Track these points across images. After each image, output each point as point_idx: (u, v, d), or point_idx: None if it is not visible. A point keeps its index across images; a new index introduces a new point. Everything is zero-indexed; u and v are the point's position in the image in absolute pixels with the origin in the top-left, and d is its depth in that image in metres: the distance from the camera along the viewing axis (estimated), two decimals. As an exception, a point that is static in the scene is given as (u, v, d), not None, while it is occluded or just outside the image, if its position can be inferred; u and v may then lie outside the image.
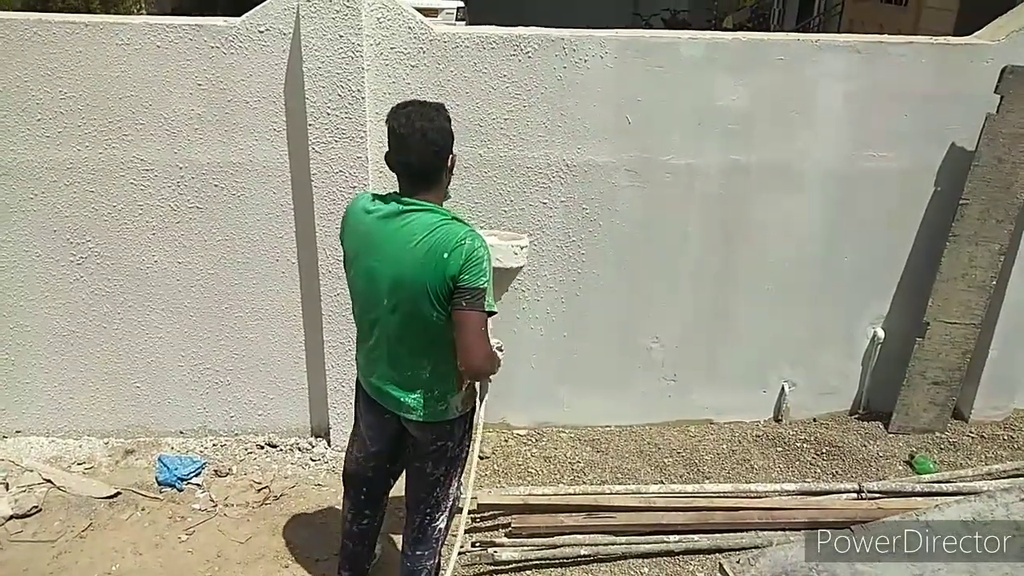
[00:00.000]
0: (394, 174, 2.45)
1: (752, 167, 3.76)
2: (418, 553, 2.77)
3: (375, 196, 2.48)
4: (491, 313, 2.38)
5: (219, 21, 3.34)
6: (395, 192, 2.45)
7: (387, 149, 2.42)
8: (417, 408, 2.53)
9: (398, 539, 3.23)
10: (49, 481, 3.61)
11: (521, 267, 2.76)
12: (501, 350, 2.69)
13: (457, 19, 12.10)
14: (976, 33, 3.84)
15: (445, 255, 2.31)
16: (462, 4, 12.73)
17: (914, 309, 4.05)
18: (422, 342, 2.46)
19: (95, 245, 3.60)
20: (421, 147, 2.34)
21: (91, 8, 8.05)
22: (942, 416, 4.20)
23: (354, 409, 2.79)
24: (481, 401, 2.69)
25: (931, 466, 3.92)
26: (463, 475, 2.77)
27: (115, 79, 3.35)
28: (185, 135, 3.45)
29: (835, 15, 13.60)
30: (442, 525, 2.76)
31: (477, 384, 2.65)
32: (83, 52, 3.31)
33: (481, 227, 3.64)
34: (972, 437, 4.20)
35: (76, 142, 3.43)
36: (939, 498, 3.58)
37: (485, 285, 2.35)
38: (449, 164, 2.45)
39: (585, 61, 3.50)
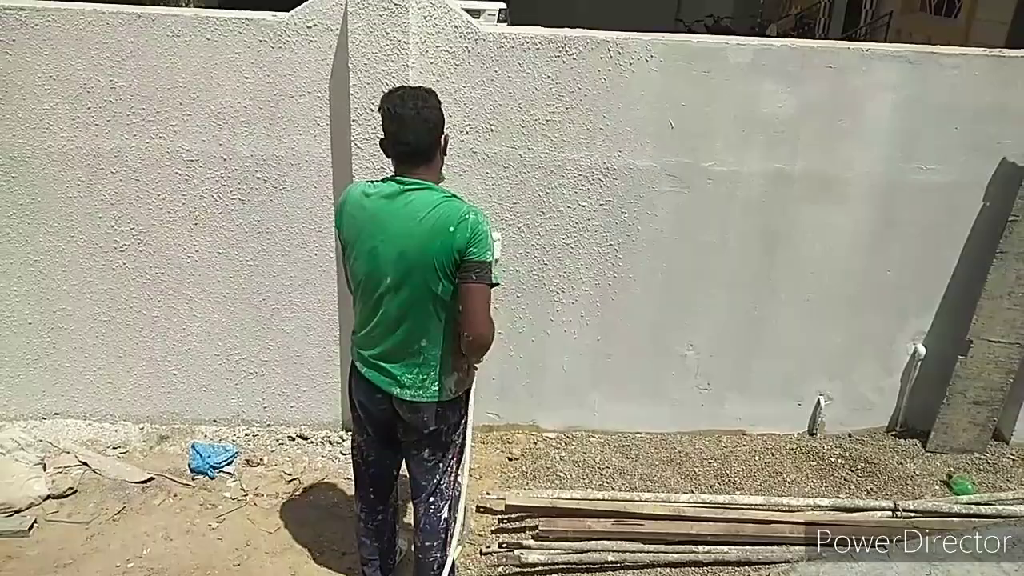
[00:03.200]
0: (391, 160, 2.54)
1: (796, 176, 3.71)
2: (427, 544, 2.78)
3: (370, 182, 2.56)
4: (496, 285, 2.49)
5: (268, 15, 3.37)
6: (391, 176, 2.52)
7: (382, 137, 2.50)
8: (410, 386, 2.56)
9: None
10: (85, 463, 3.67)
11: (495, 260, 2.83)
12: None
13: (499, 20, 12.14)
14: (1032, 46, 3.76)
15: (451, 229, 2.39)
16: (504, 6, 12.77)
17: (957, 326, 3.97)
18: (424, 318, 2.50)
19: (138, 233, 3.65)
20: (416, 123, 2.43)
21: (141, 0, 8.19)
22: (982, 437, 4.10)
23: (349, 395, 2.79)
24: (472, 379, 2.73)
25: (969, 487, 3.83)
26: (463, 465, 2.77)
27: (164, 70, 3.40)
28: (230, 127, 3.49)
29: (882, 25, 13.40)
30: (447, 515, 2.76)
31: (469, 367, 2.68)
32: (134, 43, 3.36)
33: (509, 226, 3.64)
34: (1013, 459, 4.10)
35: (124, 131, 3.49)
36: (977, 520, 3.51)
37: (491, 259, 2.45)
38: (442, 143, 2.54)
39: (630, 64, 3.48)
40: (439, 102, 2.51)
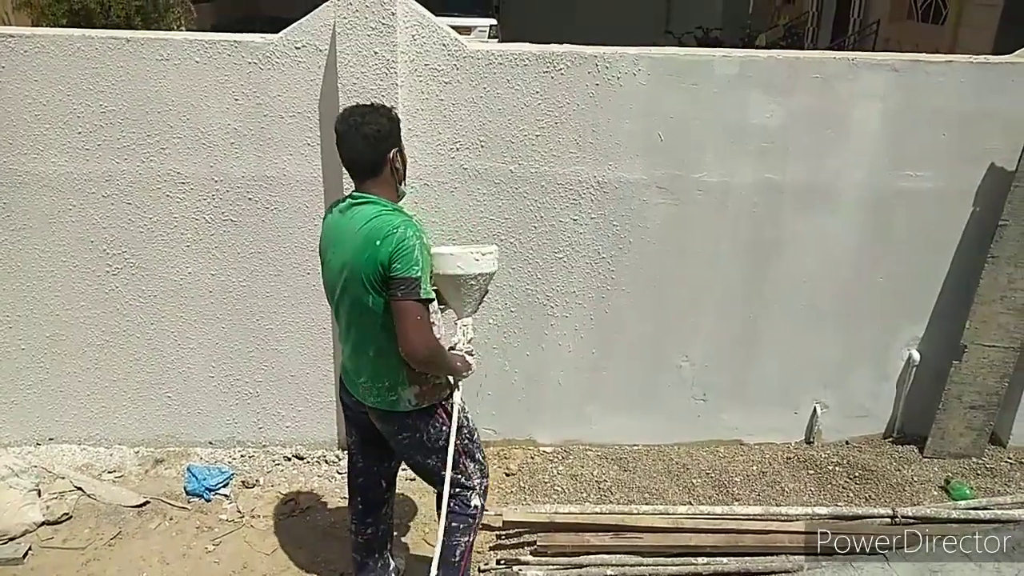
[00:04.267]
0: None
1: (786, 185, 3.72)
2: (454, 524, 2.79)
3: (341, 199, 2.65)
4: (427, 300, 2.47)
5: (257, 38, 3.39)
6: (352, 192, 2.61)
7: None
8: (368, 395, 2.63)
9: (419, 555, 3.24)
10: (80, 488, 3.65)
11: (490, 273, 2.82)
12: (472, 354, 2.74)
13: (489, 37, 12.23)
14: (1017, 52, 3.78)
15: (377, 242, 2.43)
16: (495, 22, 12.86)
17: (951, 331, 3.97)
18: (366, 330, 2.56)
19: (130, 256, 3.65)
20: (355, 138, 2.50)
21: (132, 25, 8.23)
22: (979, 441, 4.10)
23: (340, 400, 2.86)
24: (456, 387, 2.72)
25: (967, 492, 3.82)
26: (468, 457, 2.79)
27: (154, 93, 3.41)
28: (221, 149, 3.50)
29: (870, 34, 13.51)
30: (478, 502, 2.80)
31: (447, 379, 2.69)
32: (124, 67, 3.37)
33: (501, 241, 3.64)
34: (1010, 463, 4.10)
35: (115, 155, 3.50)
36: (975, 525, 3.50)
37: (418, 274, 2.43)
38: (391, 157, 2.56)
39: (618, 78, 3.50)
40: (388, 118, 2.54)
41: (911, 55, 3.70)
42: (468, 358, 2.71)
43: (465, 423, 2.78)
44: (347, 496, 2.94)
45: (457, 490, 2.75)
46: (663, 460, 4.04)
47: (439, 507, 2.83)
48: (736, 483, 3.89)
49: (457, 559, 2.78)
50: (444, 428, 2.69)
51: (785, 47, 13.72)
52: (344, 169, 2.63)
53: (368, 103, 2.59)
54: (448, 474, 2.67)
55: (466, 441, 2.78)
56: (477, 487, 2.81)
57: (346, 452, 2.92)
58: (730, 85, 3.56)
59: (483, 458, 2.87)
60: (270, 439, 3.99)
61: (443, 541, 2.75)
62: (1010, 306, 3.85)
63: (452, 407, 2.71)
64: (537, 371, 3.98)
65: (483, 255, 2.78)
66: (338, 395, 2.84)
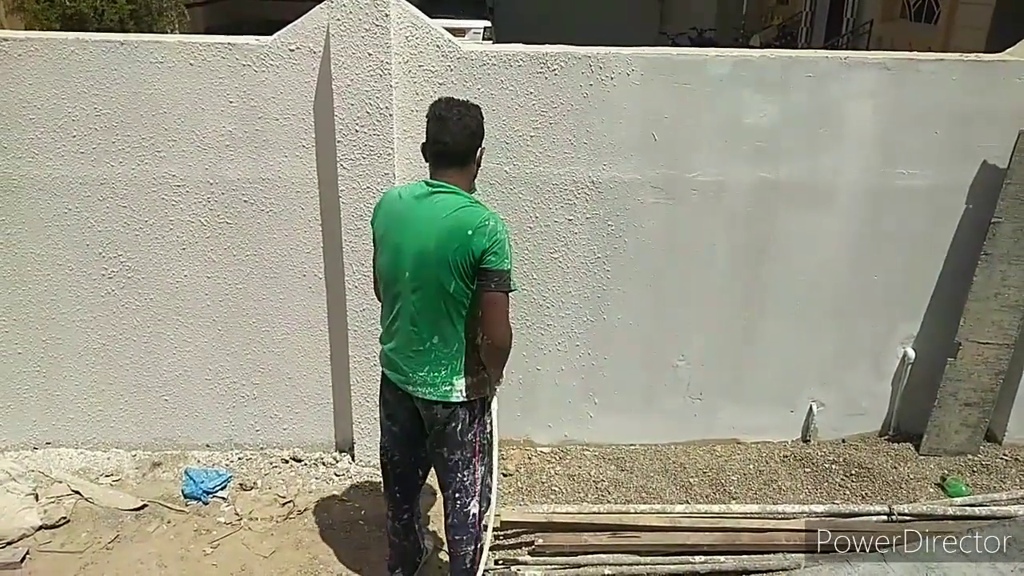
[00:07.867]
0: (426, 163, 2.66)
1: (780, 184, 3.73)
2: (456, 538, 2.83)
3: (406, 185, 2.72)
4: (512, 291, 2.58)
5: (251, 40, 3.39)
6: (425, 179, 2.64)
7: (423, 141, 2.63)
8: (423, 385, 2.64)
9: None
10: (77, 492, 3.65)
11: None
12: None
13: (484, 38, 12.25)
14: (1008, 50, 3.80)
15: (469, 232, 2.49)
16: (489, 24, 12.89)
17: (945, 329, 3.99)
18: (436, 316, 2.59)
19: (127, 259, 3.66)
20: (457, 127, 2.57)
21: (126, 28, 8.23)
22: (974, 438, 4.11)
23: (380, 394, 2.88)
24: (493, 391, 2.78)
25: (963, 489, 3.84)
26: (490, 462, 2.81)
27: (149, 96, 3.42)
28: (216, 151, 3.50)
29: (864, 33, 13.55)
30: (475, 510, 2.81)
31: (493, 376, 2.73)
32: (118, 70, 3.38)
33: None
34: (1005, 460, 4.11)
35: (110, 158, 3.50)
36: (972, 522, 3.51)
37: (509, 267, 2.54)
38: (478, 153, 2.67)
39: (611, 78, 3.51)
40: (482, 116, 2.65)
41: (903, 54, 3.71)
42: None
43: (491, 425, 2.82)
44: (382, 482, 2.99)
45: (457, 496, 2.79)
46: (660, 459, 4.05)
47: (445, 518, 2.89)
48: (733, 482, 3.90)
49: (468, 566, 2.85)
50: (476, 424, 2.73)
51: (779, 47, 13.75)
52: (430, 154, 2.61)
53: (460, 99, 2.66)
54: (495, 478, 2.81)
55: (486, 441, 2.81)
56: (476, 494, 2.81)
57: (380, 447, 2.93)
58: (723, 85, 3.57)
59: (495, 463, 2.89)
60: (268, 441, 3.99)
61: (450, 553, 2.86)
62: (1004, 303, 3.86)
63: (492, 407, 2.78)
64: (534, 372, 3.98)
65: None
66: (379, 398, 2.85)
